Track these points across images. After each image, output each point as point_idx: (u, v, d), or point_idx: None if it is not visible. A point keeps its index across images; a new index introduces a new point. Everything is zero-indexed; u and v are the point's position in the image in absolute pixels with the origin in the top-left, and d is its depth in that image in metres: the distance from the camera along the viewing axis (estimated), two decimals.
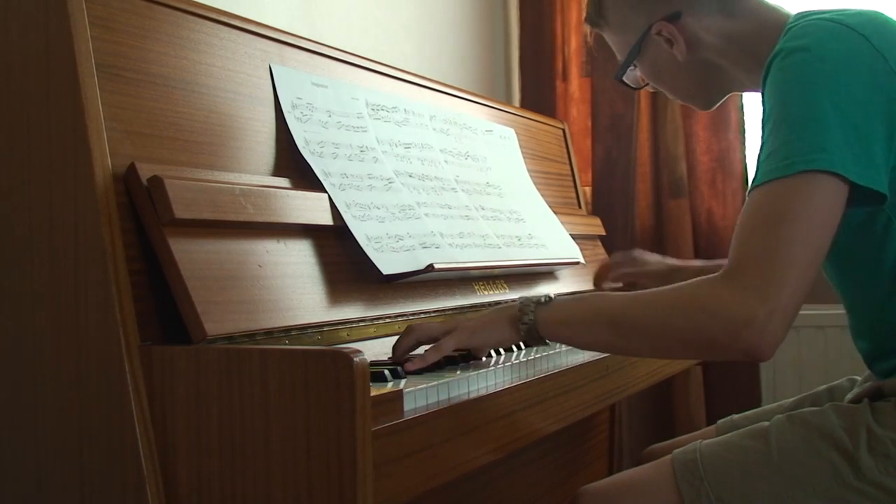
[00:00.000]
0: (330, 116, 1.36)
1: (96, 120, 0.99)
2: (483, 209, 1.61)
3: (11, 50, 1.03)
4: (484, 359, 1.27)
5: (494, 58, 2.83)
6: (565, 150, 2.21)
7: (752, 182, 1.08)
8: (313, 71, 1.37)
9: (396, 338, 1.29)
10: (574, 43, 2.64)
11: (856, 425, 1.15)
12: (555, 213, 1.89)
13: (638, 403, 2.48)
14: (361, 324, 1.24)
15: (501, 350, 1.34)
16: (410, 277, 1.31)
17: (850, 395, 1.30)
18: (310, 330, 1.14)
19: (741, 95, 2.38)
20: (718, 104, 1.42)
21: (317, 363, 0.87)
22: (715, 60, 1.31)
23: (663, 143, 2.49)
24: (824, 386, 1.48)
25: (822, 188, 1.02)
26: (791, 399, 1.50)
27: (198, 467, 0.93)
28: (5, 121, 1.03)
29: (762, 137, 1.12)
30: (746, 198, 1.09)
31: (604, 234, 2.15)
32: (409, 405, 1.01)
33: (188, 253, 1.00)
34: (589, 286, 1.94)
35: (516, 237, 1.66)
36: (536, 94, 2.70)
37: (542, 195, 1.90)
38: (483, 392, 1.13)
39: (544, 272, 1.77)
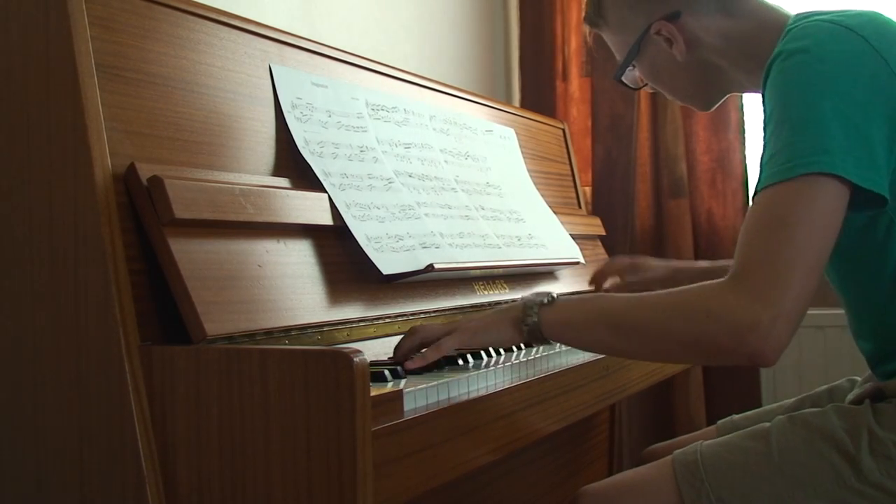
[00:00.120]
0: (330, 116, 1.36)
1: (96, 120, 0.99)
2: (483, 209, 1.61)
3: (11, 50, 1.03)
4: (484, 359, 1.27)
5: (494, 58, 2.83)
6: (565, 150, 2.21)
7: (756, 185, 1.08)
8: (313, 71, 1.37)
9: (397, 338, 1.29)
10: (574, 43, 2.64)
11: (857, 427, 1.15)
12: (555, 213, 1.89)
13: (638, 403, 2.48)
14: (361, 324, 1.24)
15: (501, 350, 1.34)
16: (410, 277, 1.31)
17: (850, 396, 1.30)
18: (310, 330, 1.14)
19: (741, 95, 2.38)
20: (717, 105, 1.42)
21: (317, 363, 0.87)
22: (714, 60, 1.31)
23: (663, 143, 2.49)
24: (824, 386, 1.48)
25: (824, 191, 1.02)
26: (791, 399, 1.50)
27: (198, 467, 0.93)
28: (5, 121, 1.03)
29: (764, 139, 1.11)
30: (751, 201, 1.09)
31: (604, 234, 2.15)
32: (409, 405, 1.01)
33: (188, 253, 1.00)
34: (588, 286, 1.94)
35: (516, 237, 1.66)
36: (536, 94, 2.70)
37: (542, 195, 1.90)
38: (483, 392, 1.13)
39: (544, 272, 1.77)
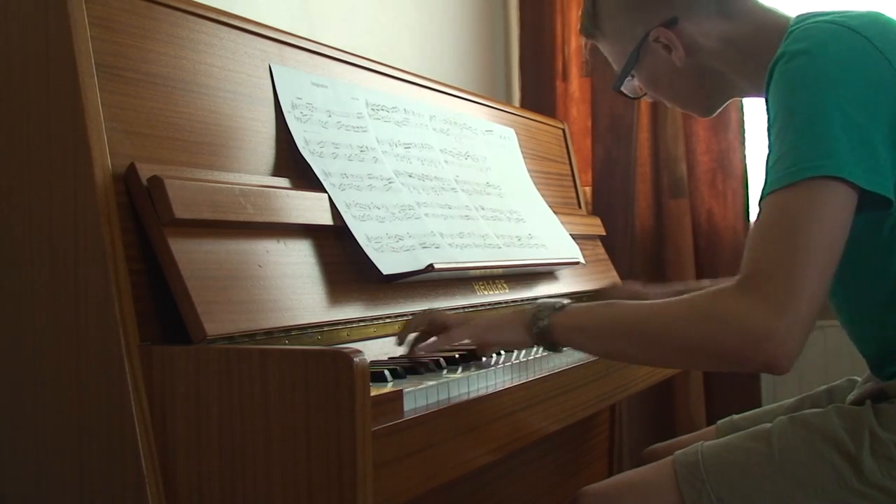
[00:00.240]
0: (330, 116, 1.36)
1: (96, 120, 0.99)
2: (483, 209, 1.61)
3: (11, 50, 1.03)
4: (484, 359, 1.27)
5: (494, 58, 2.83)
6: (565, 150, 2.20)
7: (762, 190, 1.07)
8: (313, 71, 1.37)
9: (395, 337, 1.29)
10: (574, 43, 2.64)
11: (858, 428, 1.14)
12: (555, 213, 1.89)
13: (638, 403, 2.48)
14: (361, 324, 1.24)
15: (502, 350, 1.34)
16: (410, 277, 1.31)
17: (851, 396, 1.30)
18: (310, 330, 1.14)
19: None
20: (718, 111, 1.41)
21: (317, 363, 0.87)
22: (714, 65, 1.31)
23: (663, 143, 2.49)
24: (824, 386, 1.47)
25: (831, 195, 1.01)
26: (791, 399, 1.50)
27: (198, 467, 0.93)
28: (5, 121, 1.03)
29: (769, 143, 1.11)
30: (758, 206, 1.08)
31: (604, 234, 2.15)
32: (409, 405, 1.01)
33: (188, 253, 1.00)
34: (589, 286, 1.94)
35: (516, 237, 1.66)
36: (536, 94, 2.70)
37: (542, 195, 1.90)
38: (483, 392, 1.13)
39: (544, 272, 1.77)
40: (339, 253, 1.24)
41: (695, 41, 1.29)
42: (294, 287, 1.13)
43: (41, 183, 1.00)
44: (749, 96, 1.36)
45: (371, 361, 1.06)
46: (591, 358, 1.37)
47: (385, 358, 1.25)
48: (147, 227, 1.00)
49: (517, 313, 1.20)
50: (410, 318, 1.22)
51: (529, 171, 1.91)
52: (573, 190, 2.19)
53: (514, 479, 1.77)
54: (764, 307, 0.98)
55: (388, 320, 1.29)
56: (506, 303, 1.60)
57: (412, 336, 1.27)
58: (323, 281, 1.18)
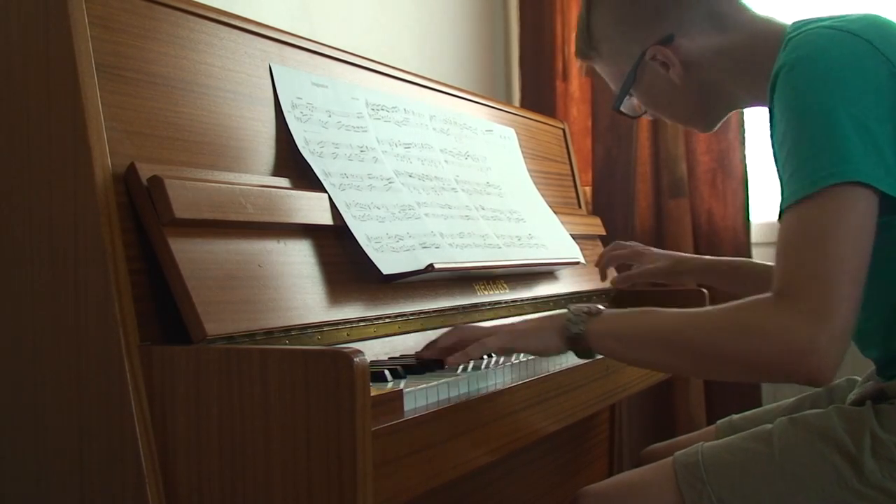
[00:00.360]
0: (330, 116, 1.36)
1: (96, 120, 0.99)
2: (483, 209, 1.61)
3: (11, 50, 1.03)
4: (484, 359, 1.27)
5: (494, 58, 2.83)
6: (565, 150, 2.21)
7: (782, 202, 1.07)
8: (313, 71, 1.37)
9: (397, 338, 1.29)
10: (574, 43, 2.64)
11: (859, 429, 1.14)
12: (555, 213, 1.89)
13: (638, 403, 2.48)
14: (361, 324, 1.24)
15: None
16: (410, 277, 1.31)
17: (852, 396, 1.30)
18: (310, 330, 1.14)
19: None
20: (719, 125, 1.41)
21: (317, 363, 0.87)
22: (713, 79, 1.30)
23: (663, 143, 2.49)
24: (807, 385, 1.47)
25: (853, 200, 1.01)
26: (791, 399, 1.50)
27: (198, 467, 0.93)
28: (5, 121, 1.03)
29: (779, 155, 1.10)
30: (779, 218, 1.08)
31: (604, 234, 2.15)
32: (409, 405, 1.01)
33: (188, 253, 1.00)
34: (589, 286, 1.94)
35: (516, 237, 1.66)
36: (536, 94, 2.70)
37: (542, 195, 1.90)
38: (483, 392, 1.13)
39: (544, 272, 1.77)
40: (339, 253, 1.24)
41: (692, 57, 1.28)
42: (294, 287, 1.13)
43: (41, 183, 1.00)
44: (750, 106, 1.36)
45: (371, 361, 1.06)
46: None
47: (385, 358, 1.25)
48: (147, 227, 1.00)
49: (550, 319, 1.19)
50: (440, 335, 1.21)
51: (529, 170, 1.91)
52: (573, 190, 2.19)
53: (514, 479, 1.77)
54: (804, 320, 0.98)
55: (388, 320, 1.29)
56: (506, 302, 1.61)
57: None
58: (323, 281, 1.18)
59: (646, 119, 2.49)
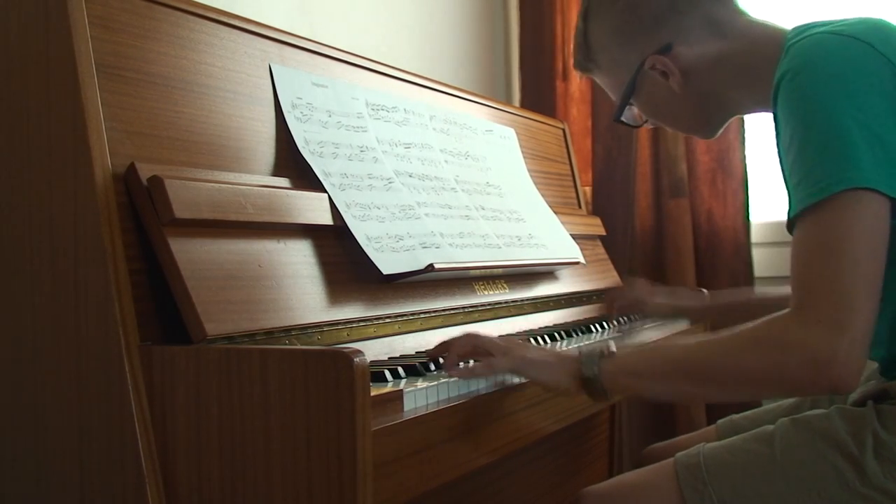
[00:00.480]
0: (330, 116, 1.36)
1: (96, 120, 0.99)
2: (483, 209, 1.61)
3: (11, 50, 1.03)
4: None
5: (494, 58, 2.83)
6: (565, 150, 2.21)
7: (790, 210, 1.07)
8: (313, 71, 1.37)
9: (397, 338, 1.29)
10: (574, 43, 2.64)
11: (861, 430, 1.14)
12: (555, 212, 1.89)
13: (638, 403, 2.48)
14: (361, 324, 1.24)
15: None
16: (410, 277, 1.31)
17: (853, 396, 1.29)
18: (310, 330, 1.14)
19: None
20: (721, 131, 1.41)
21: (317, 363, 0.87)
22: (713, 86, 1.29)
23: (663, 143, 2.49)
24: (832, 394, 1.47)
25: (864, 206, 1.01)
26: (791, 399, 1.49)
27: (198, 467, 0.93)
28: (5, 121, 1.03)
29: (785, 161, 1.10)
30: (788, 226, 1.08)
31: (604, 234, 2.15)
32: (409, 405, 1.01)
33: (188, 253, 1.00)
34: (589, 286, 1.94)
35: (516, 237, 1.66)
36: (536, 94, 2.69)
37: (542, 195, 1.90)
38: (483, 392, 1.13)
39: (544, 272, 1.77)
40: (339, 253, 1.24)
41: (691, 64, 1.28)
42: (294, 287, 1.13)
43: (41, 183, 1.00)
44: (751, 112, 1.35)
45: (371, 361, 1.06)
46: None
47: (385, 358, 1.25)
48: (147, 227, 1.00)
49: (563, 359, 1.17)
50: (453, 339, 1.21)
51: (529, 170, 1.91)
52: (573, 190, 2.19)
53: (514, 479, 1.77)
54: (823, 331, 0.98)
55: (388, 320, 1.29)
56: (506, 302, 1.61)
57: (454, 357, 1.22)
58: (323, 281, 1.18)
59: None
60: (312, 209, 1.21)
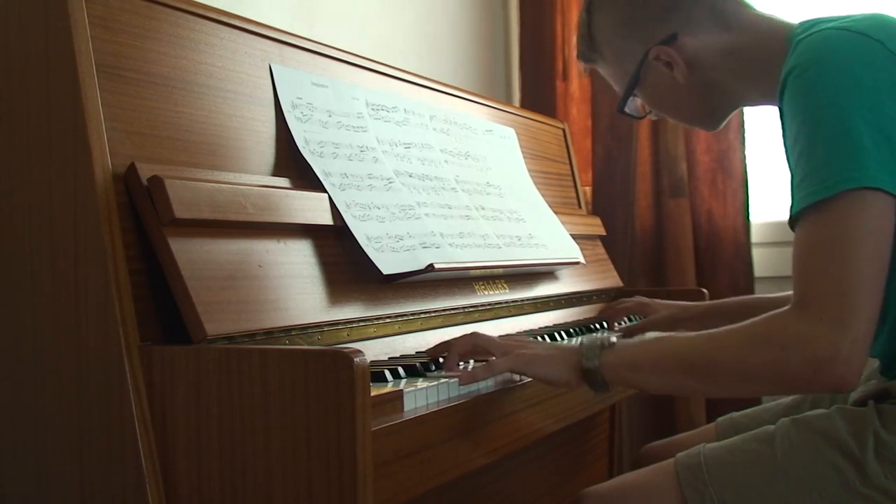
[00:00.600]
0: (330, 116, 1.36)
1: (96, 120, 0.99)
2: (483, 209, 1.61)
3: (11, 50, 1.03)
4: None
5: (494, 58, 2.83)
6: (565, 150, 2.21)
7: (793, 206, 1.07)
8: (313, 71, 1.37)
9: (397, 338, 1.29)
10: (574, 43, 2.64)
11: (862, 430, 1.14)
12: (555, 212, 1.89)
13: (638, 403, 2.48)
14: (361, 324, 1.24)
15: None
16: (410, 277, 1.31)
17: (854, 395, 1.29)
18: (310, 330, 1.14)
19: None
20: (724, 124, 1.41)
21: (317, 363, 0.87)
22: (717, 78, 1.29)
23: (663, 143, 2.49)
24: (832, 392, 1.47)
25: (869, 206, 1.01)
26: (791, 397, 1.50)
27: (198, 467, 0.93)
28: (5, 121, 1.03)
29: (791, 157, 1.09)
30: (790, 223, 1.07)
31: (604, 234, 2.15)
32: (409, 405, 1.01)
33: (188, 253, 1.00)
34: (589, 286, 1.94)
35: (516, 237, 1.66)
36: (536, 94, 2.70)
37: (542, 195, 1.90)
38: (483, 392, 1.13)
39: (544, 272, 1.77)
40: (339, 253, 1.24)
41: (696, 56, 1.28)
42: (294, 287, 1.13)
43: (41, 183, 1.00)
44: (755, 105, 1.35)
45: (371, 361, 1.06)
46: None
47: (385, 358, 1.25)
48: (147, 227, 1.00)
49: (563, 351, 1.17)
50: (453, 339, 1.21)
51: (529, 170, 1.91)
52: (573, 190, 2.19)
53: (514, 479, 1.77)
54: (825, 329, 0.98)
55: (388, 320, 1.29)
56: (506, 302, 1.61)
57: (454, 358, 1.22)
58: (323, 281, 1.18)
59: (646, 119, 2.50)
60: (312, 209, 1.21)
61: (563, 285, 1.83)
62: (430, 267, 1.30)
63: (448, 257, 1.39)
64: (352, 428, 0.85)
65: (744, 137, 2.42)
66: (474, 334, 1.21)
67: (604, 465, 2.20)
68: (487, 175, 1.72)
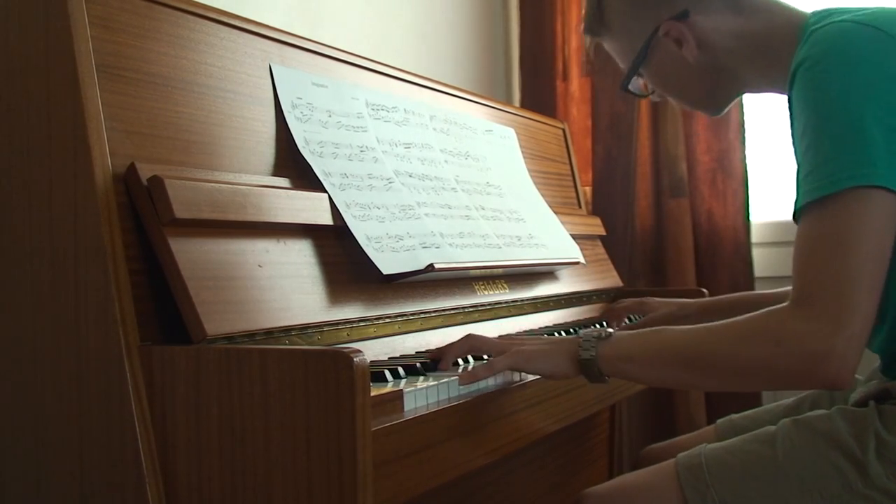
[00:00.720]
0: (330, 116, 1.36)
1: (96, 120, 0.99)
2: (483, 209, 1.61)
3: (11, 50, 1.03)
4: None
5: (494, 58, 2.83)
6: (565, 150, 2.21)
7: (798, 200, 1.06)
8: (313, 71, 1.37)
9: (397, 338, 1.29)
10: (574, 43, 2.64)
11: (864, 431, 1.14)
12: (555, 212, 1.89)
13: (638, 403, 2.48)
14: (361, 324, 1.24)
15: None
16: (410, 277, 1.31)
17: (855, 396, 1.29)
18: (310, 330, 1.14)
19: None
20: (727, 109, 1.40)
21: (317, 363, 0.87)
22: (726, 61, 1.28)
23: (663, 143, 2.49)
24: (826, 389, 1.47)
25: (873, 204, 1.00)
26: (791, 399, 1.50)
27: (198, 467, 0.93)
28: (5, 121, 1.03)
29: (798, 150, 1.09)
30: (794, 216, 1.07)
31: (604, 234, 2.15)
32: (409, 405, 1.01)
33: (188, 253, 1.00)
34: (589, 286, 1.94)
35: (516, 237, 1.66)
36: (536, 94, 2.70)
37: (542, 195, 1.90)
38: (483, 392, 1.13)
39: (544, 272, 1.77)
40: (339, 253, 1.24)
41: (706, 36, 1.26)
42: (294, 287, 1.13)
43: (41, 183, 1.00)
44: (760, 92, 1.34)
45: (371, 361, 1.06)
46: None
47: (385, 358, 1.25)
48: (147, 227, 1.00)
49: (560, 343, 1.17)
50: (454, 343, 1.21)
51: (529, 170, 1.91)
52: (573, 190, 2.19)
53: (514, 479, 1.77)
54: (821, 327, 0.98)
55: (388, 320, 1.29)
56: (506, 302, 1.61)
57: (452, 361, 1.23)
58: (323, 281, 1.18)
59: (646, 119, 2.50)
60: (312, 209, 1.21)
61: (563, 285, 1.83)
62: (430, 267, 1.30)
63: (448, 257, 1.39)
64: (352, 428, 0.85)
65: (744, 137, 2.42)
66: (470, 336, 1.21)
67: (604, 466, 2.20)
68: (487, 175, 1.72)
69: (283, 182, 1.23)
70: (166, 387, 0.95)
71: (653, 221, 2.52)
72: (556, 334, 1.56)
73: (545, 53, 2.69)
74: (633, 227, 2.50)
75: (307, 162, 1.26)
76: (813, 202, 1.03)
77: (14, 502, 1.02)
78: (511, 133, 1.91)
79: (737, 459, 1.20)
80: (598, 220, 2.16)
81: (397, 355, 1.27)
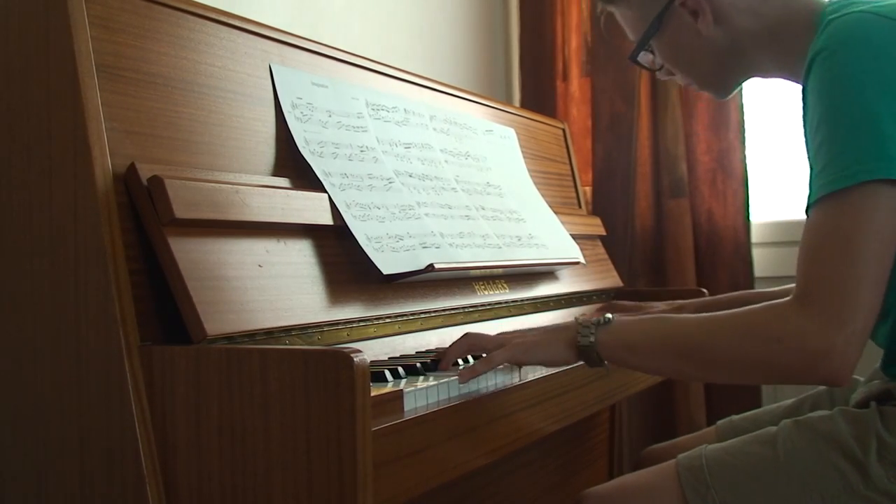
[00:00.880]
0: (330, 116, 1.36)
1: (96, 120, 0.99)
2: (483, 209, 1.61)
3: (11, 50, 1.03)
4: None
5: (494, 58, 2.83)
6: (565, 150, 2.21)
7: (811, 192, 1.05)
8: (313, 71, 1.37)
9: (397, 338, 1.29)
10: (574, 43, 2.64)
11: (865, 433, 1.14)
12: (555, 212, 1.89)
13: (638, 403, 2.48)
14: (361, 324, 1.24)
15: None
16: (410, 277, 1.31)
17: (856, 396, 1.29)
18: (310, 330, 1.14)
19: (741, 96, 2.38)
20: (734, 93, 1.38)
21: (317, 363, 0.87)
22: (740, 41, 1.26)
23: (663, 143, 2.49)
24: (824, 386, 1.47)
25: (885, 199, 1.00)
26: (791, 400, 1.49)
27: (198, 467, 0.93)
28: (5, 121, 1.03)
29: (812, 142, 1.08)
30: (807, 210, 1.06)
31: (604, 233, 2.15)
32: (409, 405, 1.01)
33: (188, 253, 1.00)
34: (589, 286, 1.94)
35: (516, 237, 1.66)
36: (536, 94, 2.70)
37: (542, 195, 1.90)
38: (483, 392, 1.13)
39: (544, 272, 1.77)
40: (339, 253, 1.24)
41: (723, 9, 1.24)
42: (294, 287, 1.13)
43: (41, 183, 1.00)
44: (770, 77, 1.32)
45: (371, 361, 1.06)
46: None
47: (385, 358, 1.25)
48: (147, 227, 1.00)
49: (558, 330, 1.17)
50: (453, 344, 1.21)
51: (529, 170, 1.91)
52: (573, 190, 2.19)
53: (514, 479, 1.77)
54: (821, 323, 0.98)
55: (388, 320, 1.29)
56: (506, 302, 1.61)
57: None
58: (323, 281, 1.18)
59: (646, 119, 2.50)
60: (312, 209, 1.21)
61: (563, 285, 1.83)
62: (430, 267, 1.30)
63: (448, 257, 1.39)
64: (352, 428, 0.85)
65: (744, 137, 2.42)
66: (468, 334, 1.21)
67: (604, 466, 2.20)
68: (487, 175, 1.72)
69: (284, 182, 1.23)
70: (166, 387, 0.95)
71: (653, 221, 2.52)
72: None
73: (545, 53, 2.69)
74: (633, 227, 2.50)
75: (307, 162, 1.26)
76: (826, 196, 1.02)
77: (14, 502, 1.02)
78: (511, 133, 1.91)
79: (738, 460, 1.20)
80: (598, 220, 2.16)
81: (397, 355, 1.27)
